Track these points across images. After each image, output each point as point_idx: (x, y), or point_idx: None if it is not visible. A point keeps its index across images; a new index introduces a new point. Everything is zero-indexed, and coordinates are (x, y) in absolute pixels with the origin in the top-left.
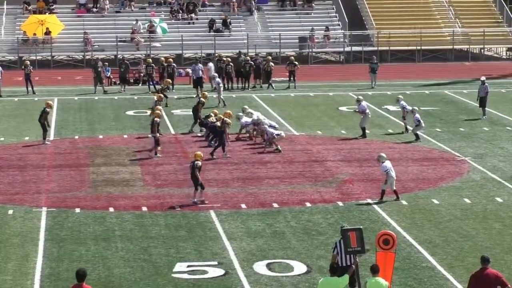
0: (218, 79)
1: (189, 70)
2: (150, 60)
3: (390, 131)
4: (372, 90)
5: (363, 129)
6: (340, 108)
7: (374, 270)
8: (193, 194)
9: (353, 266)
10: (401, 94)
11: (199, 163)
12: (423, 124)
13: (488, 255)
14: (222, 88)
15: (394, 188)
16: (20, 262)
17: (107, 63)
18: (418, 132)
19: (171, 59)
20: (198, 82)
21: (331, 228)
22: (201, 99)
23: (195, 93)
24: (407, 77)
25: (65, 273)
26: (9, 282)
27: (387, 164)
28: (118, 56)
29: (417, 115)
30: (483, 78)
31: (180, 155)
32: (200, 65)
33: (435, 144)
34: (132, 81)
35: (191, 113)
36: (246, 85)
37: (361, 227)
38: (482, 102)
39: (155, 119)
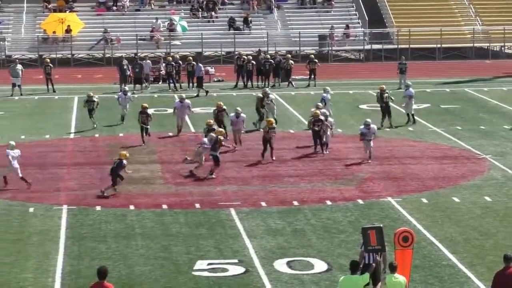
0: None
1: (209, 69)
2: (170, 58)
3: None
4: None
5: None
6: (360, 106)
7: (392, 268)
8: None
9: (373, 264)
10: (421, 92)
11: (125, 162)
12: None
13: (511, 254)
14: None
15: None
16: (41, 260)
17: (126, 61)
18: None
19: (190, 57)
20: (199, 81)
21: (351, 226)
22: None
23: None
24: (427, 75)
25: (85, 271)
26: (30, 279)
27: (11, 152)
28: (138, 54)
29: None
30: None
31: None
32: (200, 65)
33: (455, 142)
34: (152, 79)
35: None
36: (266, 83)
37: (381, 225)
38: None
39: (219, 137)
